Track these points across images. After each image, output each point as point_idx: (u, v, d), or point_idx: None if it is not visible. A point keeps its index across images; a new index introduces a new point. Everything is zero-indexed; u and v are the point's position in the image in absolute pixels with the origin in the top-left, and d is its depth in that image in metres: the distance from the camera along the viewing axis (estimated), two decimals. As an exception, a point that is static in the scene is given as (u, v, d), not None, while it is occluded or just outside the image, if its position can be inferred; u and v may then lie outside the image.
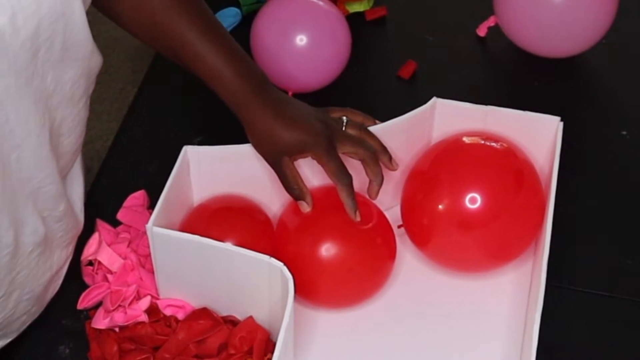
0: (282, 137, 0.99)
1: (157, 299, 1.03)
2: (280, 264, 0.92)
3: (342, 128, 1.03)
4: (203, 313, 1.01)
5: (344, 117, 1.03)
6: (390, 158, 1.04)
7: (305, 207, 1.01)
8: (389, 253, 1.06)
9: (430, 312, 1.07)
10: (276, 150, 1.00)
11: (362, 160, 1.02)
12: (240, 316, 1.01)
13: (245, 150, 1.04)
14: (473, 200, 1.02)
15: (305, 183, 1.02)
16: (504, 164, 1.05)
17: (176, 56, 1.02)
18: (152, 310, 1.02)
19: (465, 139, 1.06)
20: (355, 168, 1.02)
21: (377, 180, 1.03)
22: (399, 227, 1.08)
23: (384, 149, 1.04)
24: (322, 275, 1.01)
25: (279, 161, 1.00)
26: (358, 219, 1.01)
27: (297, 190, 1.01)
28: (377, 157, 1.03)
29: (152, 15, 1.00)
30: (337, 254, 1.01)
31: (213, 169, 1.06)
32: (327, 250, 1.01)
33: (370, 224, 1.03)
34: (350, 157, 1.02)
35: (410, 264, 1.10)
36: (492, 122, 1.08)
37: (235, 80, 1.00)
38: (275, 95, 1.02)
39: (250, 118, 1.00)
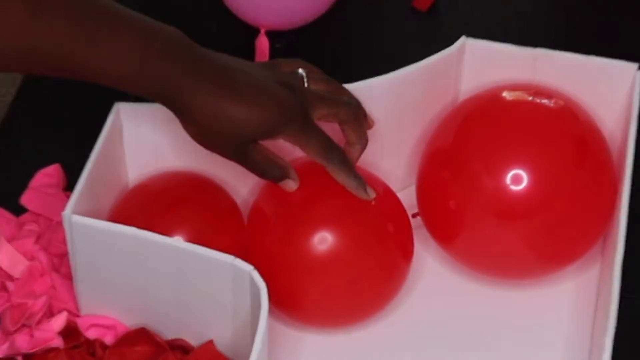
0: (240, 120, 0.84)
1: (77, 315, 0.95)
2: (249, 267, 0.83)
3: (304, 85, 0.91)
4: (141, 335, 0.92)
5: (300, 70, 0.91)
6: (366, 114, 0.94)
7: (292, 185, 0.91)
8: (404, 252, 0.95)
9: (458, 335, 0.97)
10: (235, 141, 0.86)
11: (343, 122, 0.91)
12: (192, 339, 0.93)
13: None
14: (517, 180, 0.92)
15: (282, 156, 0.91)
16: (559, 130, 0.95)
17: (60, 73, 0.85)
18: (70, 332, 0.93)
19: (506, 95, 0.97)
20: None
21: (362, 143, 0.92)
22: (413, 216, 0.98)
23: (359, 103, 0.94)
24: (312, 282, 0.92)
25: (243, 152, 0.88)
26: (372, 196, 0.91)
27: (277, 170, 0.90)
28: (358, 114, 0.93)
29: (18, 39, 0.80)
30: (334, 253, 0.91)
31: (156, 136, 0.97)
32: (320, 246, 0.90)
33: (379, 210, 0.93)
34: (327, 121, 0.91)
35: (430, 267, 1.01)
36: (543, 70, 0.99)
37: (149, 67, 0.81)
38: (211, 59, 0.85)
39: (188, 106, 0.84)
